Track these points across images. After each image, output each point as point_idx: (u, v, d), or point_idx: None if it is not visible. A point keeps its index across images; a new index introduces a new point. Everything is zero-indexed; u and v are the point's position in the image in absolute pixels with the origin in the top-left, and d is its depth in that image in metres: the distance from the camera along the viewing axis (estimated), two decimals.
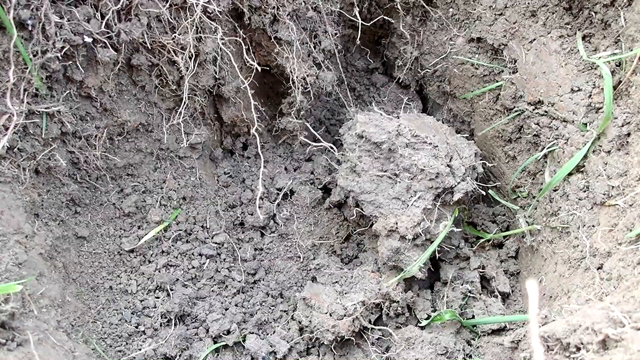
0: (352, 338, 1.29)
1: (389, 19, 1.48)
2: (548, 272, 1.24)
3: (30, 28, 1.07)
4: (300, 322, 1.31)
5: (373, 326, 1.31)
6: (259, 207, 1.41)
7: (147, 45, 1.22)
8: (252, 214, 1.45)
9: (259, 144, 1.37)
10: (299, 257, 1.46)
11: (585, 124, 1.17)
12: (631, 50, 1.08)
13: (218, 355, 1.31)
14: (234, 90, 1.37)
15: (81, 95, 1.22)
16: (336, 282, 1.37)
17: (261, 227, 1.46)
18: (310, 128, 1.42)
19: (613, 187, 1.09)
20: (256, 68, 1.31)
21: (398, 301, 1.29)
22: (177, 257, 1.38)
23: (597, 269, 1.06)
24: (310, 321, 1.28)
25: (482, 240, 1.42)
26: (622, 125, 1.09)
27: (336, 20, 1.41)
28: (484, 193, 1.34)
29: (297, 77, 1.34)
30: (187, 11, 1.22)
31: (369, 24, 1.44)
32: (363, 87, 1.68)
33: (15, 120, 1.08)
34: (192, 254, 1.39)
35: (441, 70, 1.51)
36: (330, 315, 1.27)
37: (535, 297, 0.53)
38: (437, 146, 1.24)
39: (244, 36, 1.33)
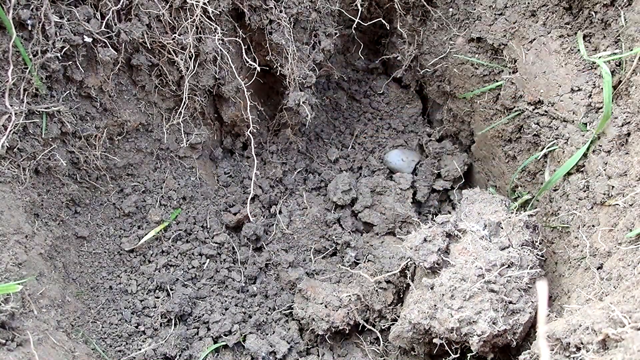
0: (348, 331, 1.28)
1: (387, 22, 1.47)
2: (548, 272, 1.24)
3: (30, 28, 1.07)
4: (297, 315, 1.31)
5: (372, 327, 1.30)
6: (251, 211, 1.40)
7: (147, 45, 1.22)
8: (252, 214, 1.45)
9: (253, 145, 1.37)
10: (299, 257, 1.46)
11: (585, 123, 1.17)
12: (631, 50, 1.08)
13: (218, 355, 1.31)
14: (233, 90, 1.37)
15: (81, 95, 1.22)
16: (332, 279, 1.38)
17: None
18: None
19: (613, 187, 1.09)
20: (256, 68, 1.31)
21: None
22: (177, 257, 1.38)
23: (597, 269, 1.06)
24: (305, 312, 1.29)
25: None
26: (622, 125, 1.09)
27: (336, 19, 1.41)
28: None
29: (296, 77, 1.34)
30: (187, 11, 1.22)
31: (367, 24, 1.44)
32: (363, 86, 1.68)
33: (15, 120, 1.08)
34: (192, 254, 1.39)
35: (441, 70, 1.51)
36: (326, 307, 1.28)
37: (545, 298, 0.52)
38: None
39: (244, 36, 1.33)
